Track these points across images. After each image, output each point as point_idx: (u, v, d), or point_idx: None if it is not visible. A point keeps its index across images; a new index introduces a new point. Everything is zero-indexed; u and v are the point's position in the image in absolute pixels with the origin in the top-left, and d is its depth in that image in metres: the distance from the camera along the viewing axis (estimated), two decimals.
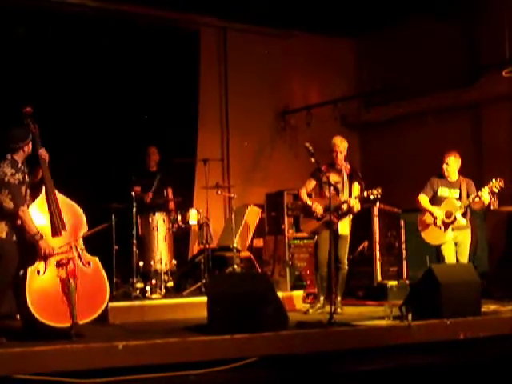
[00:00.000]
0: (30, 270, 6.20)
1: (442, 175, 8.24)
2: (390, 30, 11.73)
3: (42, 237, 6.26)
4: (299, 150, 11.02)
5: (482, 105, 10.87)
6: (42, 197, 6.47)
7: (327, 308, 7.40)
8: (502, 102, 10.53)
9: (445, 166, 8.18)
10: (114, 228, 8.49)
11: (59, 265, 6.28)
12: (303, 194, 8.27)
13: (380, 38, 12.09)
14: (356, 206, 7.92)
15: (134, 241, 8.54)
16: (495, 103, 10.61)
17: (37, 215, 6.38)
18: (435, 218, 8.11)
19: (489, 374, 6.08)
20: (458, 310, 6.98)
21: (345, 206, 7.96)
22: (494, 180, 7.91)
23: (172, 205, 9.38)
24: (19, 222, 6.27)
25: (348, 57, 12.72)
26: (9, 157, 6.42)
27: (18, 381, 5.29)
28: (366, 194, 7.91)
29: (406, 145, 11.67)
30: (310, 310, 8.05)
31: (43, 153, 6.61)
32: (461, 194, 8.15)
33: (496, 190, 7.90)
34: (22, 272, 6.26)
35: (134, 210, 8.56)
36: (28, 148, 6.50)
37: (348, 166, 8.16)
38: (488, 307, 7.73)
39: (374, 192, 7.86)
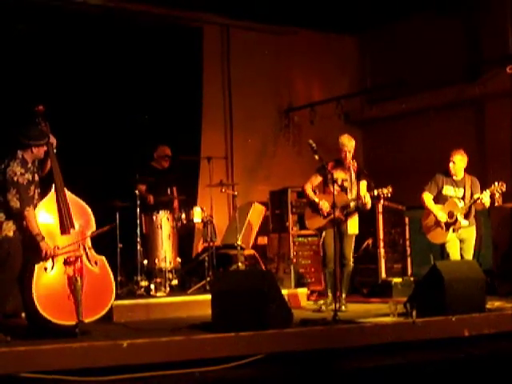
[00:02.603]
0: (37, 266, 6.22)
1: (447, 173, 8.22)
2: (392, 27, 11.72)
3: (43, 238, 6.28)
4: (303, 148, 11.02)
5: (485, 101, 10.86)
6: (52, 195, 6.48)
7: (332, 305, 7.40)
8: (505, 98, 10.51)
9: (451, 164, 8.15)
10: (119, 226, 8.50)
11: (67, 263, 6.30)
12: (309, 189, 8.23)
13: (382, 34, 12.07)
14: (369, 203, 7.91)
15: (139, 239, 8.57)
16: (498, 99, 10.59)
17: (46, 213, 6.41)
18: (437, 218, 8.11)
19: (493, 371, 6.07)
20: (462, 307, 6.97)
21: (352, 204, 7.95)
22: (496, 183, 7.89)
23: (176, 203, 9.40)
24: (24, 221, 6.29)
25: (351, 53, 12.71)
26: (19, 155, 6.41)
27: (23, 379, 5.30)
28: (376, 192, 7.88)
29: (410, 141, 11.65)
30: (323, 307, 7.99)
31: (51, 138, 6.60)
32: (465, 193, 8.14)
33: (498, 194, 7.89)
34: (28, 269, 6.27)
35: (138, 208, 8.57)
36: (37, 151, 6.47)
37: (355, 164, 8.14)
38: (492, 304, 7.72)
39: (385, 191, 7.84)
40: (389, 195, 7.91)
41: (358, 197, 7.94)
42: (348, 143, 8.06)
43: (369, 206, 7.94)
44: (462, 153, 8.20)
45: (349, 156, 8.07)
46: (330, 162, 8.00)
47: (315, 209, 8.15)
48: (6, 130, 7.57)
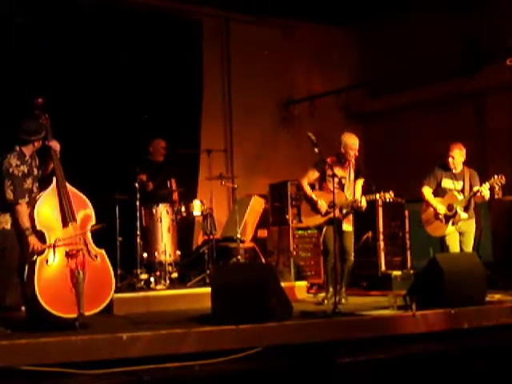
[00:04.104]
0: (39, 259, 6.20)
1: (446, 166, 8.22)
2: (392, 19, 11.69)
3: (32, 233, 6.26)
4: (302, 141, 10.95)
5: (485, 93, 10.85)
6: (53, 187, 6.46)
7: (333, 299, 7.39)
8: (505, 90, 10.50)
9: (450, 159, 8.15)
10: (118, 219, 8.50)
11: (68, 255, 6.27)
12: (306, 185, 8.15)
13: (382, 27, 12.05)
14: (365, 206, 7.88)
15: (138, 232, 8.56)
16: (498, 92, 10.58)
17: (47, 205, 6.38)
18: (436, 211, 8.11)
19: (493, 364, 6.09)
20: (462, 300, 6.97)
21: (349, 206, 7.92)
22: (495, 176, 7.88)
23: (176, 196, 9.40)
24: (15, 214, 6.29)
25: (351, 46, 12.68)
26: (17, 149, 6.41)
27: (22, 372, 5.30)
28: (377, 196, 7.85)
29: (410, 134, 11.64)
30: (325, 301, 7.96)
31: (55, 144, 6.57)
32: (464, 186, 8.14)
33: (497, 187, 7.89)
34: (30, 261, 6.26)
35: (138, 201, 8.57)
36: (38, 143, 6.49)
37: (354, 162, 8.11)
38: (492, 296, 7.72)
39: (387, 196, 7.81)
40: (391, 200, 7.89)
41: (354, 199, 7.91)
42: (355, 142, 7.99)
43: (364, 208, 7.91)
44: (461, 146, 8.19)
45: (353, 155, 8.02)
46: (330, 157, 7.95)
47: (313, 207, 8.11)
48: (5, 122, 7.55)
